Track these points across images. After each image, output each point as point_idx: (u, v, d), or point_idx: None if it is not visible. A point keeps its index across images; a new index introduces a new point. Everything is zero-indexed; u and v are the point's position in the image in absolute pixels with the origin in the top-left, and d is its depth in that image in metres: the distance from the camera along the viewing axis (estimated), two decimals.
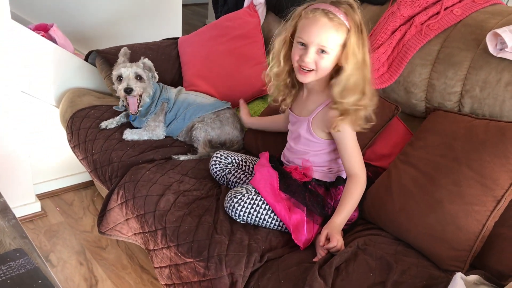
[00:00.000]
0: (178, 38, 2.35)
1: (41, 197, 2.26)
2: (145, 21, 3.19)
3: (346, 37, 1.33)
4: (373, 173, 1.56)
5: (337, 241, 1.29)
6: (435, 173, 1.35)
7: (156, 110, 1.84)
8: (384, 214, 1.42)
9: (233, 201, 1.38)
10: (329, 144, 1.45)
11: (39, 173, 2.23)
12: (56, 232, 2.07)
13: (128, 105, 1.82)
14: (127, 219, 1.58)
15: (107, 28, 3.12)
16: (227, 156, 1.62)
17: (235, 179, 1.59)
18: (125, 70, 1.76)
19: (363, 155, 1.63)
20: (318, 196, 1.41)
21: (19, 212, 2.10)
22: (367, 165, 1.59)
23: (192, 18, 5.69)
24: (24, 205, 2.12)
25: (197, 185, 1.58)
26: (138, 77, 1.78)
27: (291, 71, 1.45)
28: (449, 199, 1.29)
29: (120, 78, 1.78)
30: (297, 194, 1.39)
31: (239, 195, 1.39)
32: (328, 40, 1.31)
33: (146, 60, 1.83)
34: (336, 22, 1.31)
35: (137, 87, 1.77)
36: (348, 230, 1.43)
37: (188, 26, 5.20)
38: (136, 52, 2.20)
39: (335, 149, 1.45)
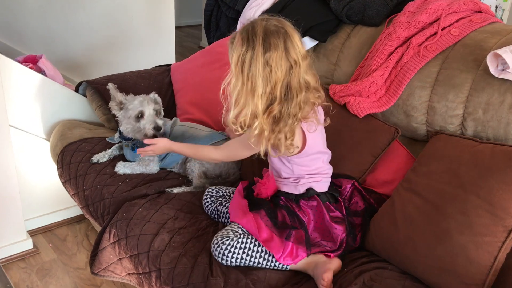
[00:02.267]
0: (170, 65, 2.31)
1: (33, 233, 2.18)
2: (137, 46, 3.16)
3: None
4: (376, 200, 1.50)
5: None
6: (441, 202, 1.29)
7: None
8: (389, 245, 1.36)
9: (221, 248, 1.31)
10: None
11: (31, 208, 2.16)
12: (48, 271, 1.99)
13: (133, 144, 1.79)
14: (120, 259, 1.51)
15: (99, 55, 3.09)
16: (219, 190, 1.61)
17: (226, 210, 1.54)
18: (147, 109, 1.71)
19: (364, 181, 1.58)
20: (289, 212, 1.39)
21: (9, 251, 2.02)
22: (370, 192, 1.53)
23: (186, 40, 5.67)
24: (15, 243, 2.04)
25: (192, 221, 1.51)
26: (156, 113, 1.76)
27: None
28: (457, 230, 1.22)
29: (140, 115, 1.71)
30: (264, 210, 1.37)
31: (227, 240, 1.32)
32: None
33: (157, 97, 1.81)
34: None
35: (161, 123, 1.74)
36: (343, 256, 1.37)
37: (182, 48, 5.18)
38: (128, 80, 2.15)
39: (289, 160, 1.39)
